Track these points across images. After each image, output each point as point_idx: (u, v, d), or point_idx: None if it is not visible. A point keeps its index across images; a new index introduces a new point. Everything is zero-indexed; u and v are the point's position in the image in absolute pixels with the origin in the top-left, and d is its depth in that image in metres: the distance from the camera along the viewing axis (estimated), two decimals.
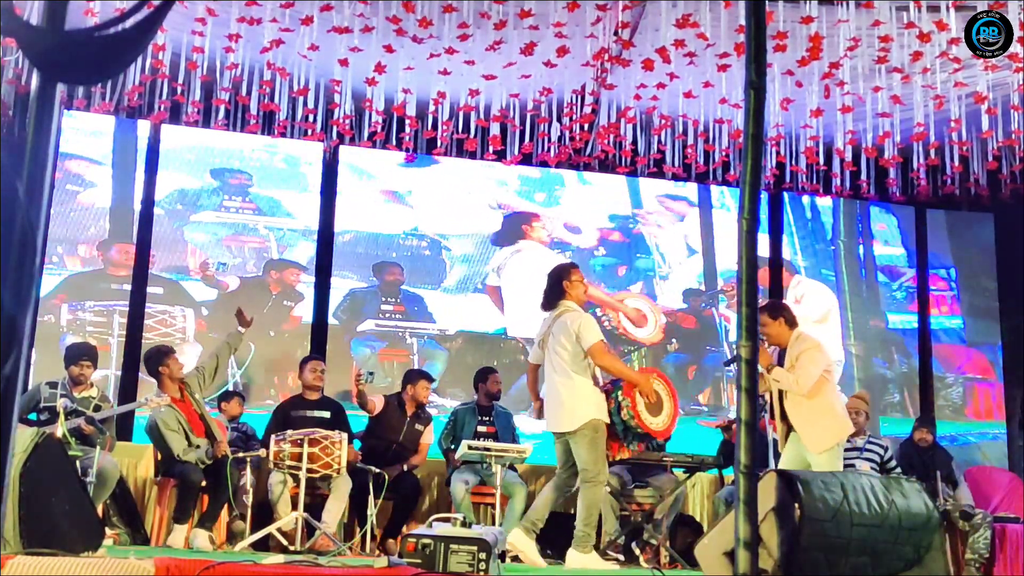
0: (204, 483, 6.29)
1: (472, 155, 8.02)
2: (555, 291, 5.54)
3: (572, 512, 7.61)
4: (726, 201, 9.37)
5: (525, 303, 8.62)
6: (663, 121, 7.96)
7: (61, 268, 8.05)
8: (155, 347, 6.82)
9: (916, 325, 9.49)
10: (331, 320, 8.46)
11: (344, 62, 7.02)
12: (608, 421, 5.36)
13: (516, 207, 9.09)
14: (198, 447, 6.35)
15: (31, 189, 1.24)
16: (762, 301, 6.55)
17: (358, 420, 7.20)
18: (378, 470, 6.47)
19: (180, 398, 6.49)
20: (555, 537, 6.24)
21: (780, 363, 5.65)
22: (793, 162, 8.27)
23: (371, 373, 7.00)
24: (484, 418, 7.12)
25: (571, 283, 5.54)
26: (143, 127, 8.25)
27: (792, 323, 5.71)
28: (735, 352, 5.84)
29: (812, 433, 5.49)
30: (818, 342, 5.73)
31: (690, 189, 9.27)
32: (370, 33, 6.76)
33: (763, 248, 9.23)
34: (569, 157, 8.23)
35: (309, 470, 6.01)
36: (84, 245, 8.17)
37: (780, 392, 5.64)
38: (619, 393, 5.38)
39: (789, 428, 5.60)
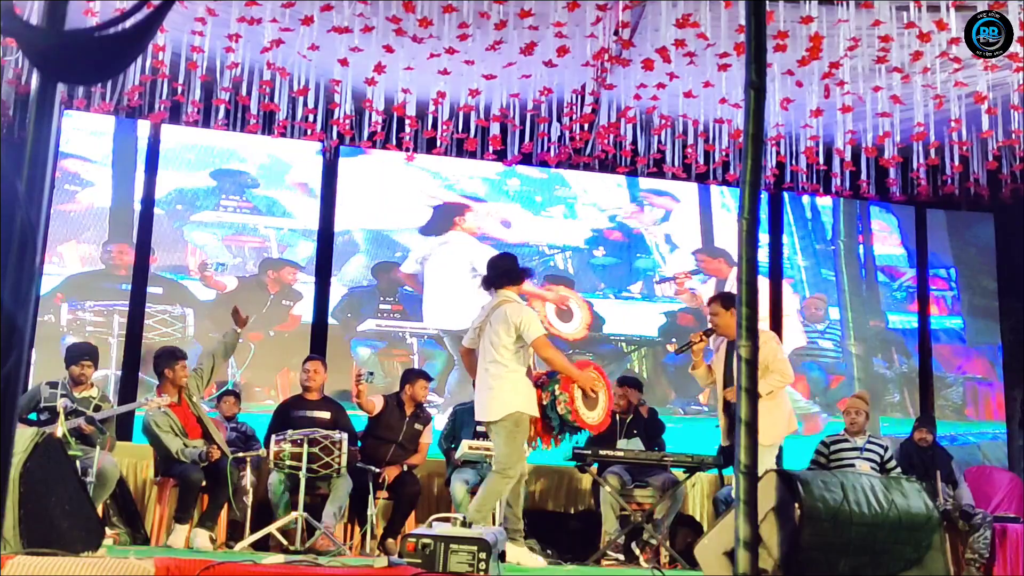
0: (204, 483, 6.29)
1: (472, 155, 8.02)
2: (502, 275, 5.49)
3: (572, 511, 7.65)
4: (726, 201, 9.37)
5: (447, 295, 8.70)
6: (663, 121, 7.96)
7: (61, 268, 8.05)
8: (168, 348, 6.80)
9: (916, 325, 9.49)
10: (331, 320, 8.46)
11: (344, 62, 7.01)
12: (536, 415, 5.35)
13: (451, 199, 9.00)
14: (193, 448, 6.36)
15: (31, 189, 1.24)
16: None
17: (358, 420, 7.20)
18: (378, 470, 6.47)
19: (178, 402, 6.51)
20: (555, 537, 6.25)
21: (729, 355, 5.79)
22: (793, 162, 8.27)
23: (371, 373, 7.00)
24: None
25: (514, 270, 5.55)
26: (143, 127, 8.25)
27: None
28: (687, 340, 6.01)
29: (760, 426, 5.46)
30: (773, 334, 6.15)
31: (684, 187, 9.27)
32: (370, 33, 6.76)
33: (762, 250, 9.24)
34: (569, 157, 8.23)
35: (309, 470, 6.01)
36: (84, 245, 8.17)
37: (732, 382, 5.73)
38: (556, 387, 5.37)
39: (732, 422, 5.63)
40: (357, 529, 6.57)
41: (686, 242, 9.34)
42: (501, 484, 5.26)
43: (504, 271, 5.53)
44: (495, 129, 7.75)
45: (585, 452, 6.53)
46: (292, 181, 8.69)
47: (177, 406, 6.50)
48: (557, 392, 5.36)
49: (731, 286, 8.93)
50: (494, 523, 5.69)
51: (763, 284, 9.22)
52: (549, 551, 6.61)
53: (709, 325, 6.19)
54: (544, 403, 5.36)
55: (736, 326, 2.24)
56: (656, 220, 9.32)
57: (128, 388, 7.77)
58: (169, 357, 6.60)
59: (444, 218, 8.95)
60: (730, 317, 5.78)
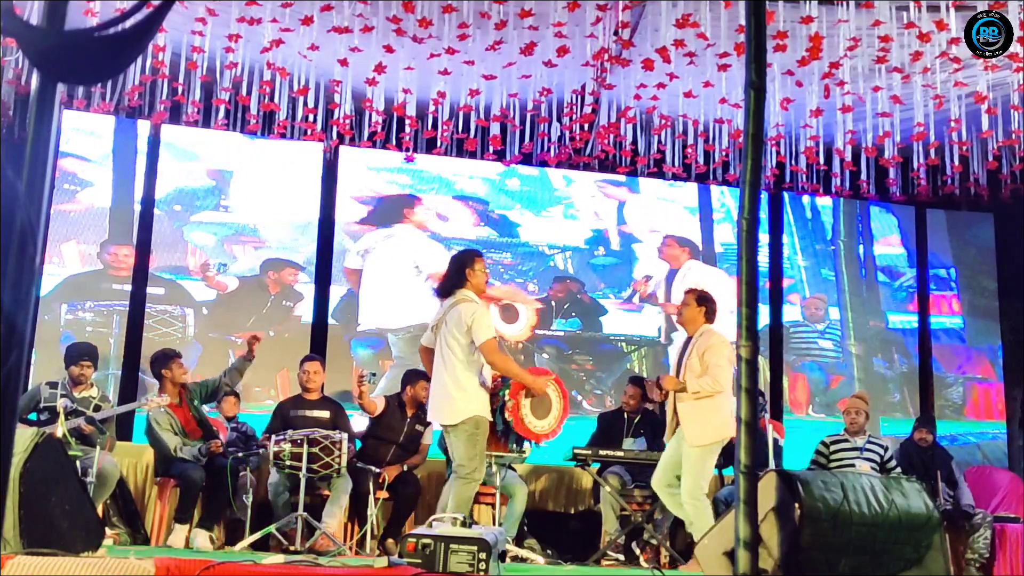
0: (204, 483, 6.30)
1: (472, 155, 8.02)
2: (456, 278, 5.29)
3: (572, 511, 7.65)
4: (726, 201, 9.37)
5: (387, 290, 8.60)
6: (663, 121, 7.96)
7: (61, 268, 8.05)
8: (161, 350, 6.87)
9: (916, 325, 9.49)
10: (331, 320, 8.46)
11: (344, 62, 7.01)
12: (490, 419, 5.20)
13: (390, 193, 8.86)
14: (193, 444, 6.38)
15: (31, 189, 1.24)
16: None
17: (357, 420, 7.20)
18: (378, 470, 6.47)
19: (178, 403, 6.53)
20: (555, 537, 6.25)
21: (683, 350, 5.80)
22: (793, 162, 8.27)
23: (373, 373, 7.00)
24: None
25: (473, 271, 5.29)
26: (143, 127, 8.25)
27: (710, 317, 5.80)
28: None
29: (694, 426, 5.56)
30: (724, 338, 5.77)
31: (684, 187, 9.27)
32: (370, 33, 6.76)
33: (762, 250, 9.23)
34: (569, 157, 8.23)
35: (309, 470, 6.01)
36: (84, 245, 8.17)
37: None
38: (506, 392, 5.27)
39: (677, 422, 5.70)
40: (357, 529, 6.57)
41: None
42: (468, 489, 5.10)
43: (454, 269, 5.34)
44: (495, 129, 7.75)
45: (585, 452, 6.53)
46: (292, 181, 8.69)
47: (177, 407, 6.52)
48: (506, 397, 5.26)
49: (684, 277, 8.96)
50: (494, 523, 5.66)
51: (710, 271, 9.24)
52: (549, 551, 6.61)
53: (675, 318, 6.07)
54: (494, 407, 5.24)
55: (736, 326, 2.24)
56: (613, 211, 9.28)
57: (128, 388, 7.77)
58: (164, 358, 6.68)
59: (392, 210, 8.81)
60: (696, 313, 5.76)
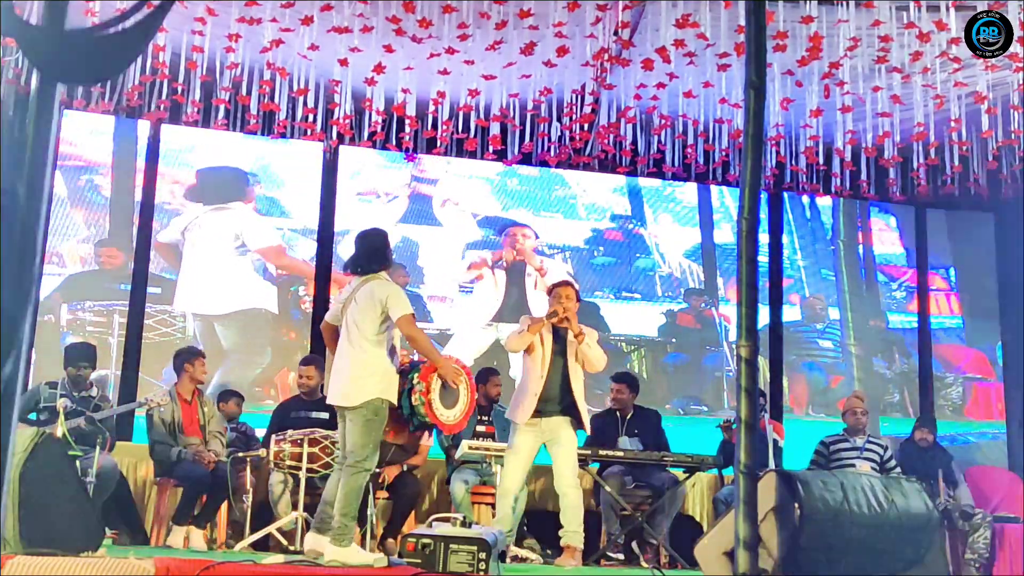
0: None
1: (472, 155, 8.02)
2: (377, 257, 5.04)
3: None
4: (726, 201, 9.37)
5: (208, 270, 8.36)
6: (663, 121, 7.96)
7: (61, 268, 8.05)
8: (189, 346, 7.08)
9: (916, 325, 9.49)
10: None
11: (344, 62, 7.01)
12: (395, 403, 4.89)
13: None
14: (177, 447, 6.42)
15: (31, 189, 1.24)
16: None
17: None
18: (378, 470, 6.47)
19: (189, 401, 6.55)
20: (555, 537, 6.24)
21: (559, 341, 5.92)
22: (793, 162, 8.27)
23: None
24: (483, 418, 7.10)
25: (388, 251, 5.14)
26: (143, 127, 8.25)
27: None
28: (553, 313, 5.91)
29: (585, 414, 5.90)
30: (597, 333, 6.19)
31: (683, 187, 9.27)
32: (370, 33, 6.76)
33: (762, 250, 9.22)
34: (569, 157, 8.22)
35: (309, 470, 6.01)
36: (84, 245, 8.17)
37: (566, 368, 5.88)
38: (415, 375, 4.93)
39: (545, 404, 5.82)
40: (357, 529, 6.56)
41: (685, 241, 9.34)
42: (358, 480, 4.78)
43: (376, 250, 5.07)
44: (495, 129, 7.75)
45: (585, 452, 6.53)
46: (292, 181, 8.69)
47: (187, 404, 6.56)
48: (415, 380, 4.91)
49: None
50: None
51: (554, 265, 9.23)
52: (549, 551, 6.61)
53: (554, 309, 5.92)
54: (400, 390, 4.91)
55: (736, 326, 2.24)
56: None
57: (128, 388, 7.77)
58: (188, 354, 6.79)
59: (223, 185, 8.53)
60: (576, 307, 5.96)
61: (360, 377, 4.81)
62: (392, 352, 4.98)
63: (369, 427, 4.77)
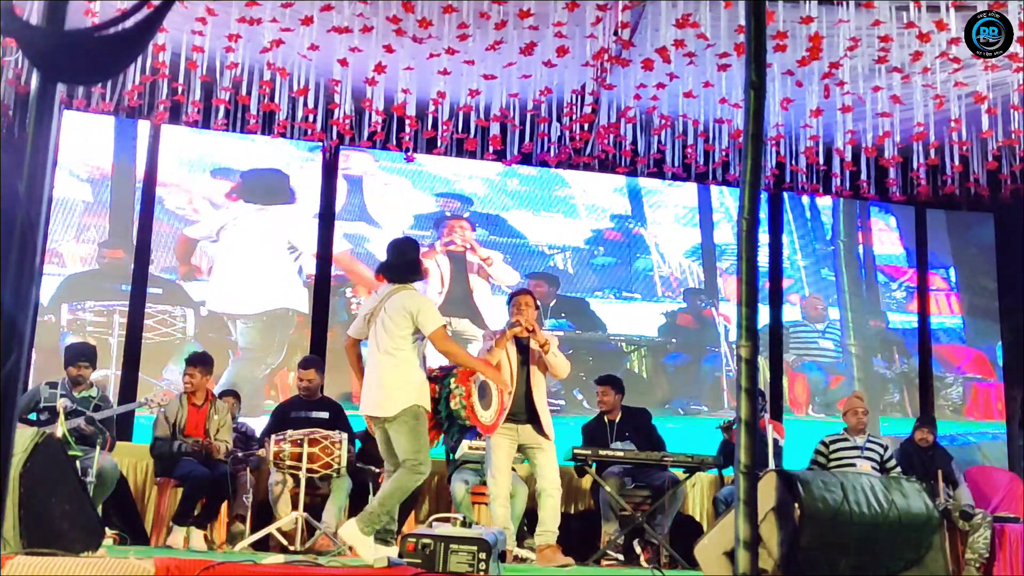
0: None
1: (472, 155, 8.02)
2: (408, 266, 5.08)
3: (573, 512, 7.64)
4: (726, 201, 9.37)
5: (245, 272, 8.40)
6: (663, 121, 7.96)
7: (61, 268, 8.05)
8: (200, 353, 6.98)
9: (916, 325, 9.50)
10: (331, 319, 8.46)
11: (344, 62, 7.01)
12: (429, 409, 4.95)
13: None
14: (172, 440, 6.46)
15: (31, 189, 1.24)
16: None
17: (357, 420, 7.19)
18: (378, 470, 6.47)
19: (199, 406, 6.57)
20: (558, 537, 6.23)
21: (520, 351, 5.95)
22: (793, 162, 8.27)
23: None
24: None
25: (421, 261, 5.17)
26: (143, 127, 8.25)
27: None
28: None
29: (548, 420, 5.98)
30: (556, 339, 6.26)
31: (684, 187, 9.26)
32: (370, 33, 6.76)
33: (762, 249, 9.22)
34: (569, 157, 8.22)
35: (309, 470, 6.01)
36: (84, 245, 8.17)
37: (529, 377, 5.93)
38: (451, 381, 5.00)
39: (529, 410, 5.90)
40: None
41: (685, 241, 9.34)
42: (411, 480, 4.83)
43: (410, 262, 5.10)
44: (495, 129, 7.75)
45: (585, 452, 6.53)
46: (292, 181, 8.69)
47: (196, 408, 6.57)
48: (452, 386, 4.99)
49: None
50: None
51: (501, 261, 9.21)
52: None
53: (517, 319, 5.98)
54: (434, 397, 4.98)
55: (736, 326, 2.24)
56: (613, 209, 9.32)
57: (128, 388, 7.77)
58: (186, 363, 6.75)
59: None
60: (535, 314, 6.07)
61: (395, 388, 4.87)
62: (423, 360, 5.07)
63: (416, 432, 4.85)
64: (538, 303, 6.23)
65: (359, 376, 5.20)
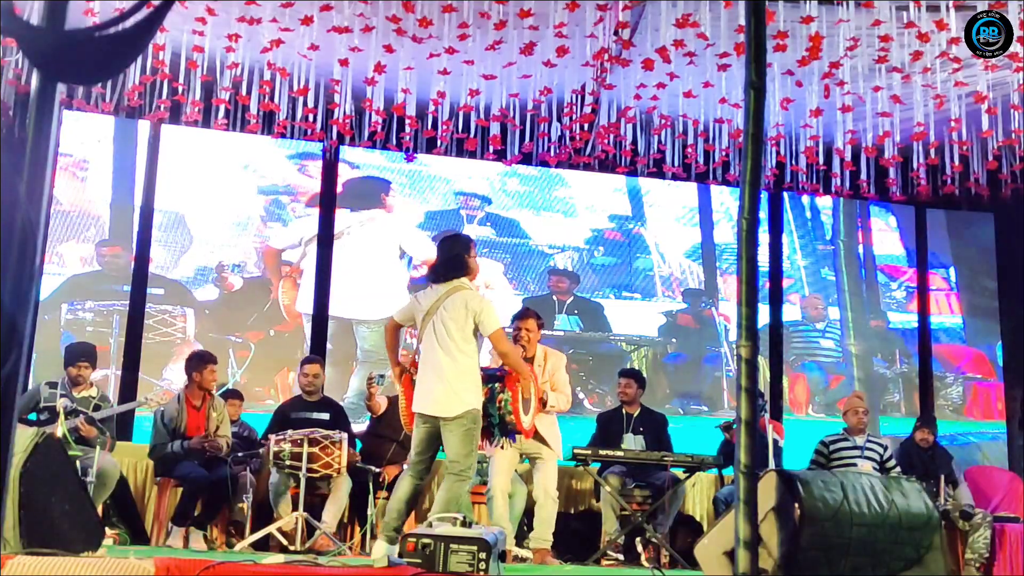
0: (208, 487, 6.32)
1: (472, 155, 8.02)
2: (456, 263, 5.01)
3: (572, 511, 7.64)
4: (726, 201, 9.37)
5: (362, 278, 8.50)
6: (663, 121, 7.96)
7: (61, 268, 8.05)
8: (199, 352, 6.93)
9: (916, 325, 9.50)
10: (331, 319, 8.46)
11: (344, 62, 7.01)
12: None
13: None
14: (175, 442, 6.45)
15: (31, 189, 1.24)
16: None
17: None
18: (378, 470, 6.47)
19: (198, 407, 6.55)
20: (555, 537, 6.24)
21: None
22: (793, 162, 8.27)
23: (381, 375, 6.97)
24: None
25: (471, 257, 5.07)
26: (143, 127, 8.25)
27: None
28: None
29: (555, 436, 6.10)
30: (561, 355, 6.40)
31: (684, 187, 9.27)
32: (370, 33, 6.76)
33: (762, 249, 9.22)
34: (569, 157, 8.22)
35: (309, 470, 6.01)
36: (84, 245, 8.17)
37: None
38: (497, 385, 5.05)
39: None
40: (357, 529, 6.57)
41: (685, 241, 9.34)
42: (460, 487, 4.87)
43: (456, 256, 5.04)
44: (495, 129, 7.75)
45: (585, 452, 6.53)
46: (292, 181, 8.70)
47: (195, 410, 6.55)
48: (498, 390, 5.04)
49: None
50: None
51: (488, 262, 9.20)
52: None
53: (520, 338, 6.11)
54: (484, 400, 4.98)
55: (736, 326, 2.24)
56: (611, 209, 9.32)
57: (128, 388, 7.77)
58: (199, 360, 6.68)
59: (365, 192, 8.78)
60: (538, 336, 6.20)
61: (459, 388, 4.84)
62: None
63: (469, 436, 4.84)
64: (542, 325, 6.25)
65: (395, 358, 5.19)
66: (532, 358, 6.05)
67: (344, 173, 8.75)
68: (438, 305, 4.92)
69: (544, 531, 6.00)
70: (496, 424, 5.11)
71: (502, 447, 5.56)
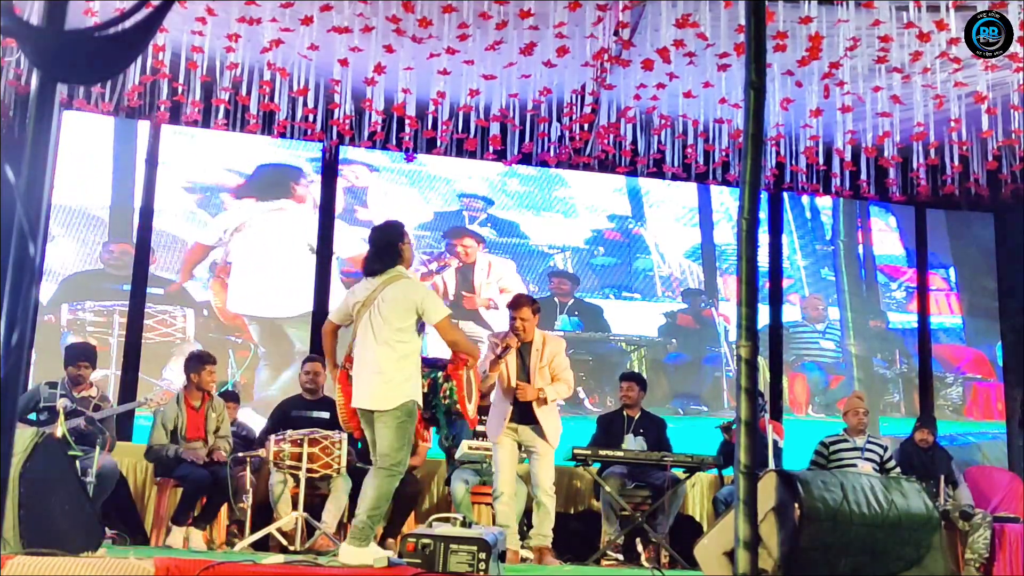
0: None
1: (472, 155, 8.02)
2: (389, 253, 4.85)
3: (572, 511, 7.64)
4: (726, 201, 9.37)
5: (262, 273, 8.38)
6: (663, 121, 7.96)
7: (61, 268, 8.05)
8: (198, 352, 6.88)
9: (916, 325, 9.50)
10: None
11: (344, 62, 7.01)
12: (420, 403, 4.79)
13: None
14: (173, 445, 6.44)
15: (31, 189, 1.24)
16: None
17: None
18: None
19: (197, 408, 6.55)
20: (555, 537, 6.23)
21: (524, 354, 5.99)
22: (793, 162, 8.27)
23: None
24: (483, 418, 7.10)
25: (405, 245, 4.91)
26: (143, 127, 8.25)
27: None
28: (504, 345, 5.83)
29: (554, 427, 6.03)
30: (561, 340, 6.32)
31: (684, 187, 9.27)
32: (370, 33, 6.76)
33: (762, 249, 9.22)
34: (569, 157, 8.22)
35: (309, 470, 6.01)
36: (84, 245, 8.17)
37: (528, 382, 5.96)
38: (440, 374, 4.89)
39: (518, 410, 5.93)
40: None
41: (685, 241, 9.34)
42: (394, 482, 4.68)
43: (385, 244, 4.87)
44: (495, 129, 7.75)
45: (585, 452, 6.53)
46: (292, 180, 8.70)
47: (194, 410, 6.55)
48: (441, 379, 4.87)
49: (480, 270, 8.87)
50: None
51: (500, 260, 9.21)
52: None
53: (516, 327, 6.00)
54: (424, 391, 4.82)
55: (736, 326, 2.24)
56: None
57: (128, 388, 7.77)
58: (197, 360, 6.67)
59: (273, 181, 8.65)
60: (535, 321, 6.06)
61: (397, 379, 4.68)
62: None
63: (403, 429, 4.67)
64: (538, 309, 6.14)
65: (333, 362, 4.99)
66: (531, 343, 6.01)
67: (255, 158, 8.62)
68: (375, 296, 4.76)
69: (544, 528, 5.96)
70: (441, 414, 4.97)
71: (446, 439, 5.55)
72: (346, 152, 8.69)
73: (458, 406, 4.93)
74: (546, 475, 5.98)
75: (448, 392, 4.89)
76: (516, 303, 6.13)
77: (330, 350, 5.03)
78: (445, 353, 5.14)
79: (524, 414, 5.94)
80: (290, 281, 8.44)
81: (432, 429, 7.19)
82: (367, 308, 4.76)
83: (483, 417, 6.42)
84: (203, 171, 8.54)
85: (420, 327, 4.81)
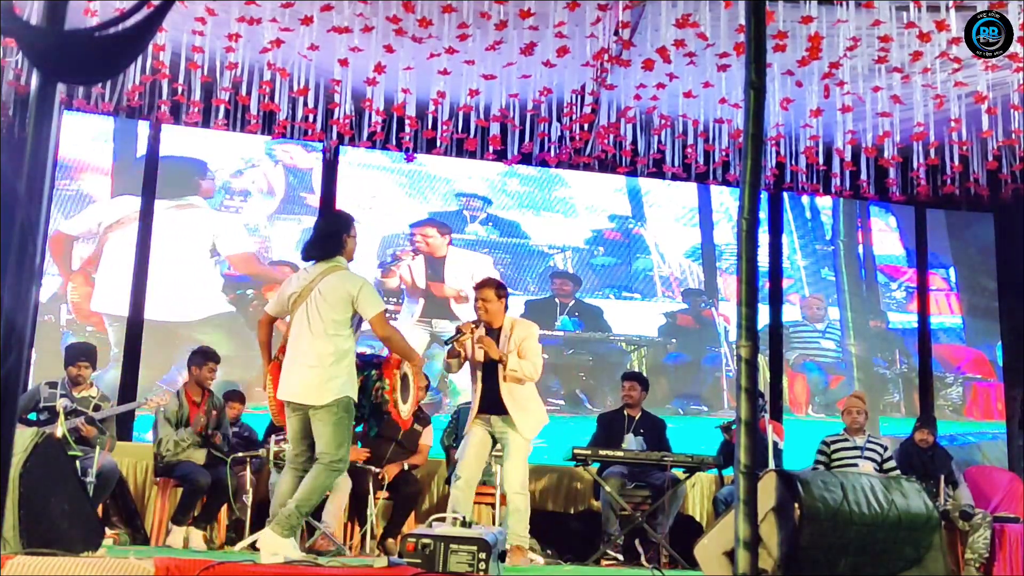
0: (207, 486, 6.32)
1: (472, 155, 8.02)
2: (333, 242, 4.74)
3: (572, 511, 7.65)
4: (726, 201, 9.37)
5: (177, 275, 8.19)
6: (663, 121, 7.96)
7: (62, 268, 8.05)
8: (203, 348, 6.85)
9: (916, 325, 9.50)
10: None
11: (344, 62, 7.01)
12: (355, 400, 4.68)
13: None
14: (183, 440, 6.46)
15: (31, 189, 1.24)
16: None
17: None
18: (378, 470, 6.47)
19: (199, 402, 6.56)
20: (555, 537, 6.25)
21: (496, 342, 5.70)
22: (793, 162, 8.27)
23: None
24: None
25: (351, 237, 4.80)
26: (143, 127, 8.25)
27: (507, 306, 5.83)
28: (457, 331, 5.66)
29: (525, 418, 5.62)
30: (534, 325, 5.91)
31: (684, 187, 9.27)
32: (370, 33, 6.76)
33: (762, 249, 9.21)
34: (569, 157, 8.22)
35: None
36: (84, 245, 8.16)
37: (497, 371, 5.61)
38: (373, 373, 4.79)
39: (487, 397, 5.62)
40: (357, 529, 6.57)
41: (685, 241, 9.35)
42: (327, 478, 4.57)
43: (329, 232, 4.78)
44: (495, 129, 7.75)
45: (585, 452, 6.53)
46: (292, 181, 8.70)
47: (195, 405, 6.58)
48: (375, 377, 4.77)
49: (453, 263, 8.80)
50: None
51: (472, 256, 9.21)
52: (549, 551, 6.61)
53: (477, 307, 5.76)
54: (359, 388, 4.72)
55: (736, 326, 2.24)
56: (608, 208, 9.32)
57: (128, 388, 7.77)
58: (202, 357, 6.68)
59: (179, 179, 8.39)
60: (500, 305, 5.72)
61: (332, 373, 4.55)
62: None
63: (342, 425, 4.57)
64: (504, 293, 5.81)
65: (267, 356, 4.86)
66: (499, 329, 5.73)
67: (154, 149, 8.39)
68: (312, 287, 4.64)
69: (517, 527, 5.57)
70: (368, 413, 4.86)
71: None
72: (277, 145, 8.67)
73: (388, 406, 4.80)
74: (514, 471, 5.59)
75: (379, 391, 4.78)
76: (480, 284, 5.89)
77: (265, 342, 4.89)
78: (384, 351, 5.02)
79: (493, 403, 5.63)
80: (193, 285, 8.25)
81: (429, 429, 7.22)
82: (303, 300, 4.65)
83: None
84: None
85: (357, 324, 4.69)
